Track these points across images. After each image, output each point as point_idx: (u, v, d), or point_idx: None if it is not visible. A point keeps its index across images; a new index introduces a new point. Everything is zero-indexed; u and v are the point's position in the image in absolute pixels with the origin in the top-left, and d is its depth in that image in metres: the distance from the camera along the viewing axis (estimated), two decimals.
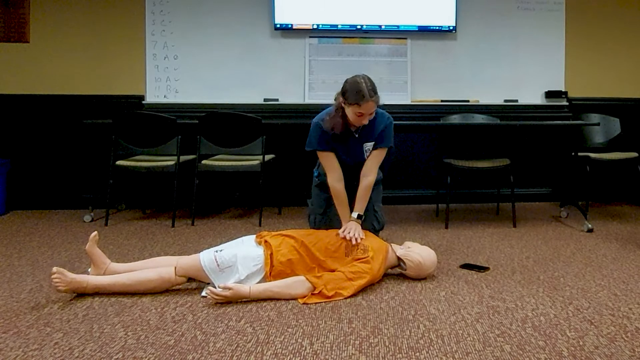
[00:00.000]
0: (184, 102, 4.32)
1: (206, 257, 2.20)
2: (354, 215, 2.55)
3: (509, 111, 4.39)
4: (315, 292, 2.14)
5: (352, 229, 2.41)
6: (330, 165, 2.61)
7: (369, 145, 2.64)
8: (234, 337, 1.79)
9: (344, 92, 2.46)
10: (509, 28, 4.49)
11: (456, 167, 3.61)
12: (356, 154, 2.65)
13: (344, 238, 2.35)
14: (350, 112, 2.46)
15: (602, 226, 3.54)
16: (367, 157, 2.65)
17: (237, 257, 2.19)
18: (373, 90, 2.41)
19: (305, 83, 4.37)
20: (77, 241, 3.14)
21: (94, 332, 1.82)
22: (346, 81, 2.49)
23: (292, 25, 4.33)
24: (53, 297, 2.17)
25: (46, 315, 1.98)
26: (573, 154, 3.87)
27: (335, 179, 2.59)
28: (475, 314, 2.00)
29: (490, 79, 4.49)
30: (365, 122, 2.50)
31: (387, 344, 1.74)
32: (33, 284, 2.35)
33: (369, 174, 2.62)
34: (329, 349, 1.71)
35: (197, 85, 4.35)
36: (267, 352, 1.68)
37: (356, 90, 2.39)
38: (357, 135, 2.61)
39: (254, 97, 4.33)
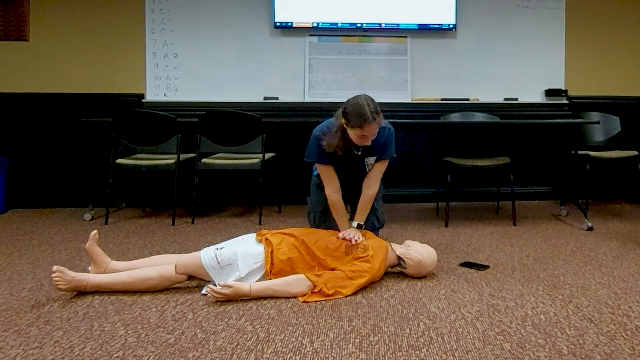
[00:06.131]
0: (183, 100, 4.31)
1: (207, 255, 2.21)
2: (354, 224, 2.56)
3: (509, 109, 4.39)
4: (316, 290, 2.14)
5: (351, 232, 2.42)
6: (329, 177, 2.59)
7: (370, 160, 2.63)
8: (234, 335, 1.80)
9: (345, 114, 2.39)
10: (509, 26, 4.49)
11: (456, 165, 3.61)
12: (356, 168, 2.64)
13: (344, 239, 2.36)
14: (352, 133, 2.41)
15: (602, 224, 3.54)
16: (369, 170, 2.64)
17: (238, 255, 2.20)
18: (376, 112, 2.36)
19: (305, 81, 4.37)
20: (77, 239, 3.15)
21: (94, 330, 1.83)
22: (347, 102, 2.42)
23: (292, 23, 4.33)
24: (53, 295, 2.17)
25: (46, 314, 1.98)
26: (573, 152, 3.87)
27: (332, 191, 2.58)
28: (475, 312, 2.00)
29: (490, 77, 4.48)
30: (368, 143, 2.47)
31: (387, 342, 1.75)
32: (33, 282, 2.35)
33: (372, 186, 2.62)
34: (329, 347, 1.71)
35: (197, 83, 4.35)
36: (267, 350, 1.69)
37: (359, 113, 2.33)
38: (359, 153, 2.59)
39: (253, 95, 4.33)
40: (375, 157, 2.62)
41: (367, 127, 2.36)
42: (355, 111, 2.35)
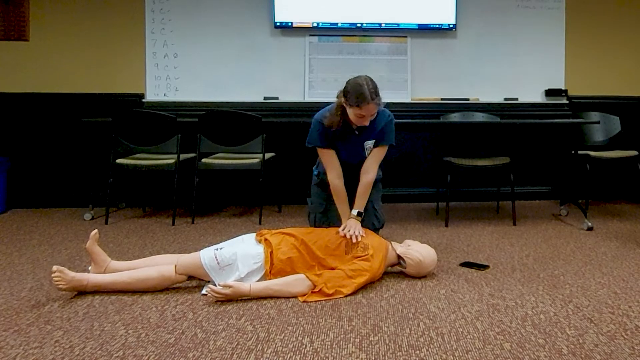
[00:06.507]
0: (183, 100, 4.31)
1: (206, 255, 2.21)
2: (354, 212, 2.56)
3: (509, 109, 4.39)
4: (316, 290, 2.14)
5: (352, 227, 2.41)
6: (330, 163, 2.61)
7: (369, 143, 2.64)
8: (234, 335, 1.80)
9: (345, 93, 2.45)
10: (509, 26, 4.49)
11: (456, 165, 3.61)
12: (357, 152, 2.65)
13: (344, 236, 2.36)
14: (351, 113, 2.46)
15: (602, 224, 3.54)
16: (368, 154, 2.65)
17: (238, 255, 2.20)
18: (375, 93, 2.40)
19: (305, 81, 4.37)
20: (77, 239, 3.15)
21: (95, 330, 1.83)
22: (348, 82, 2.47)
23: (292, 23, 4.33)
24: (53, 295, 2.17)
25: (46, 313, 1.98)
26: (573, 152, 3.87)
27: (334, 176, 2.59)
28: (475, 312, 2.00)
29: (490, 77, 4.48)
30: (366, 123, 2.50)
31: (387, 342, 1.75)
32: (33, 282, 2.35)
33: (370, 172, 2.62)
34: (329, 346, 1.71)
35: (197, 83, 4.35)
36: (267, 350, 1.69)
37: (358, 93, 2.38)
38: (357, 133, 2.61)
39: (254, 95, 4.33)
40: (374, 141, 2.63)
41: (366, 106, 2.39)
42: (355, 91, 2.39)
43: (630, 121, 4.43)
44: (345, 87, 2.47)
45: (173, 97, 4.35)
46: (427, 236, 3.21)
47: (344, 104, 2.47)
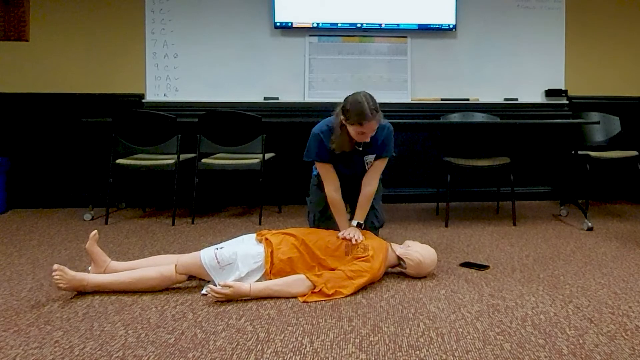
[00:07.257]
0: (183, 100, 4.31)
1: (206, 255, 2.21)
2: (354, 223, 2.56)
3: (509, 110, 4.39)
4: (316, 290, 2.14)
5: (351, 231, 2.42)
6: (328, 176, 2.60)
7: (370, 158, 2.63)
8: (234, 335, 1.80)
9: (345, 111, 2.42)
10: (509, 26, 4.49)
11: (456, 165, 3.61)
12: (357, 166, 2.65)
13: (344, 239, 2.36)
14: (352, 130, 2.43)
15: (602, 225, 3.54)
16: (368, 168, 2.65)
17: (238, 255, 2.20)
18: (375, 109, 2.38)
19: (305, 81, 4.37)
20: (77, 240, 3.14)
21: (94, 330, 1.83)
22: (346, 100, 2.44)
23: (292, 23, 4.33)
24: (53, 295, 2.17)
25: (46, 314, 1.98)
26: (573, 152, 3.87)
27: (332, 190, 2.59)
28: (475, 312, 2.00)
29: (490, 77, 4.48)
30: (367, 139, 2.50)
31: (387, 342, 1.74)
32: (33, 282, 2.35)
33: (371, 184, 2.63)
34: (329, 347, 1.71)
35: (197, 83, 4.35)
36: (267, 350, 1.69)
37: (358, 111, 2.36)
38: (360, 149, 2.60)
39: (254, 95, 4.33)
40: (375, 155, 2.63)
41: (367, 124, 2.39)
42: (355, 108, 2.38)
43: (630, 121, 4.43)
44: (344, 105, 2.44)
45: (173, 97, 4.34)
46: (427, 236, 3.21)
47: (344, 122, 2.44)
